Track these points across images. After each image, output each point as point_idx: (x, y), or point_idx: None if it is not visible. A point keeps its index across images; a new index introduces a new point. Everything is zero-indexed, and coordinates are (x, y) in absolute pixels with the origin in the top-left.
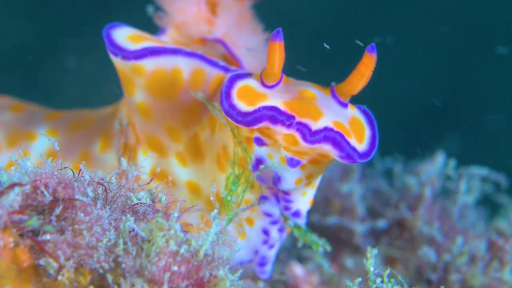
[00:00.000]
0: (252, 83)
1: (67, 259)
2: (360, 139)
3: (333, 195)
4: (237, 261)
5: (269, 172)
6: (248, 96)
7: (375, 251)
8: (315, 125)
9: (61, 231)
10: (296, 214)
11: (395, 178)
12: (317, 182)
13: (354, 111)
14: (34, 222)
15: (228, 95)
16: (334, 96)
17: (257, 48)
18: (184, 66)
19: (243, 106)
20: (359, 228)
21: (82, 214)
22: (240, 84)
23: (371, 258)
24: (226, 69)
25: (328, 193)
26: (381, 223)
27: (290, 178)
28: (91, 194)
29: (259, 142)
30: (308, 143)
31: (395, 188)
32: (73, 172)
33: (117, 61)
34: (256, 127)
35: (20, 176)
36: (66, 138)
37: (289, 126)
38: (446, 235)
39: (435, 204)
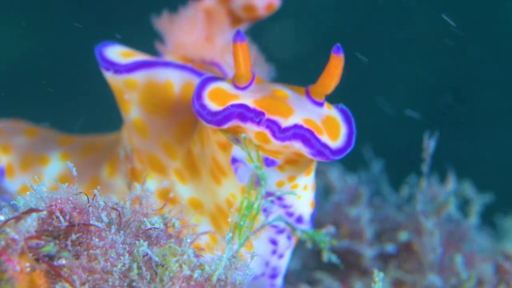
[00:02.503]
0: (224, 85)
1: (83, 284)
2: (334, 136)
3: (341, 219)
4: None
5: (248, 172)
6: (219, 97)
7: (381, 274)
8: (285, 122)
9: (76, 256)
10: (299, 219)
11: (403, 203)
12: (309, 184)
13: (331, 110)
14: (50, 248)
15: (199, 96)
16: (308, 96)
17: (256, 68)
18: (175, 79)
19: (214, 106)
20: (368, 252)
21: (97, 239)
22: (212, 86)
23: (379, 282)
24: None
25: (337, 217)
26: (389, 248)
27: (272, 181)
28: (105, 219)
29: (234, 139)
30: (278, 140)
31: (403, 212)
32: (87, 197)
33: (109, 76)
34: (226, 126)
35: (36, 202)
36: (78, 162)
37: (258, 123)
38: (453, 259)
39: (442, 228)
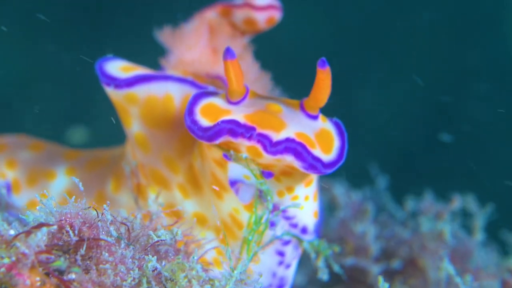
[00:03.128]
0: (217, 101)
1: None
2: (327, 150)
3: (347, 235)
4: None
5: (249, 191)
6: (212, 113)
7: (386, 285)
8: (277, 136)
9: (86, 270)
10: (304, 230)
11: (408, 218)
12: (310, 194)
13: (326, 123)
14: (61, 263)
15: (190, 112)
16: (302, 109)
17: (254, 81)
18: (175, 92)
19: (205, 122)
20: (374, 268)
21: (106, 254)
22: (204, 101)
23: None
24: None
25: (342, 233)
26: (395, 264)
27: (272, 192)
28: (114, 233)
29: (228, 155)
30: (269, 153)
31: (408, 228)
32: (97, 212)
33: (110, 91)
34: (217, 141)
35: (46, 216)
36: (83, 177)
37: (249, 138)
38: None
39: (447, 244)
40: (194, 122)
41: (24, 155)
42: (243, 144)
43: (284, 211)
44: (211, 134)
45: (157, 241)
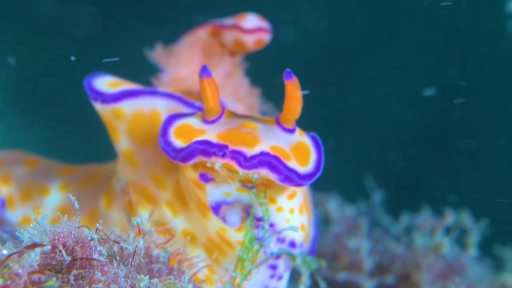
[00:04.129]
0: (191, 121)
1: None
2: (304, 162)
3: (341, 250)
4: None
5: (237, 213)
6: (186, 133)
7: None
8: (251, 152)
9: None
10: (292, 244)
11: (402, 234)
12: (295, 207)
13: (302, 137)
14: (53, 283)
15: (164, 133)
16: (278, 124)
17: (244, 98)
18: (161, 108)
19: (179, 143)
20: (367, 284)
21: (99, 273)
22: (178, 122)
23: None
24: (200, 110)
25: (336, 248)
26: (389, 279)
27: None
28: (105, 253)
29: (204, 178)
30: (245, 169)
31: (402, 243)
32: (90, 230)
33: (98, 107)
34: (191, 162)
35: (40, 235)
36: (76, 193)
37: (223, 156)
38: None
39: (440, 259)
40: (168, 143)
41: (19, 171)
42: (218, 162)
43: (272, 225)
44: (184, 155)
45: (150, 260)
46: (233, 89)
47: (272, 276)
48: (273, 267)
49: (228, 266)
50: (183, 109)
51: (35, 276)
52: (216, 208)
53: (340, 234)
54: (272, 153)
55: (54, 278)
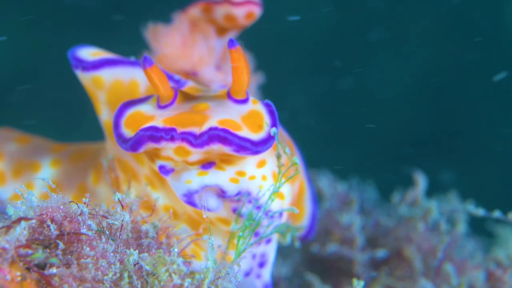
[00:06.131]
0: (144, 108)
1: None
2: (257, 129)
3: (333, 226)
4: None
5: (206, 194)
6: (136, 122)
7: (362, 283)
8: (200, 130)
9: (67, 265)
10: (270, 212)
11: (393, 209)
12: (267, 174)
13: (256, 105)
14: (39, 255)
15: (116, 125)
16: (229, 97)
17: (228, 71)
18: (141, 79)
19: (128, 133)
20: (359, 257)
21: (88, 248)
22: (130, 111)
23: None
24: (178, 82)
25: (328, 224)
26: (380, 253)
27: (223, 180)
28: (95, 227)
29: (164, 170)
30: (196, 147)
31: (393, 218)
32: (78, 205)
33: (79, 74)
34: (141, 150)
35: (26, 210)
36: (67, 169)
37: (172, 139)
38: (444, 266)
39: (432, 235)
40: (119, 135)
41: (10, 147)
42: (169, 148)
43: (248, 193)
44: (132, 143)
45: (139, 235)
46: (217, 62)
47: (259, 243)
48: (257, 234)
49: (214, 241)
50: None
51: (22, 251)
52: (189, 198)
53: (332, 210)
54: (221, 126)
55: (40, 250)
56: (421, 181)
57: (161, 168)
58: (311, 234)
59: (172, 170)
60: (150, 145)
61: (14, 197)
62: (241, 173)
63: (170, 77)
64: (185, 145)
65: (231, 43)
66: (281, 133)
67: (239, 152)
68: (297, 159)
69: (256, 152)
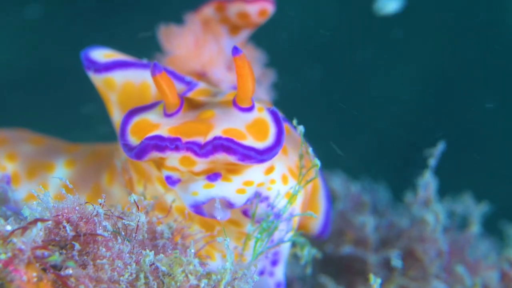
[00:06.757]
0: (150, 116)
1: None
2: (262, 137)
3: (346, 226)
4: None
5: (214, 204)
6: (142, 130)
7: (379, 280)
8: (205, 139)
9: (83, 266)
10: (278, 215)
11: (406, 209)
12: (276, 178)
13: (262, 113)
14: (56, 258)
15: (123, 133)
16: (235, 105)
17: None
18: (152, 81)
19: (134, 141)
20: (373, 258)
21: (103, 249)
22: (136, 119)
23: None
24: (189, 84)
25: (342, 225)
26: (394, 254)
27: (230, 192)
28: (111, 228)
29: (170, 181)
30: (201, 157)
31: (406, 218)
32: (93, 206)
33: (92, 76)
34: (146, 158)
35: (42, 211)
36: (82, 169)
37: (177, 149)
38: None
39: (446, 234)
40: (125, 143)
41: (24, 148)
42: (174, 157)
43: (266, 198)
44: (137, 152)
45: (155, 236)
46: (228, 62)
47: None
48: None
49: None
50: (174, 83)
51: (39, 252)
52: (197, 209)
53: (345, 211)
54: (225, 136)
55: (57, 253)
56: (432, 181)
57: (168, 178)
58: (326, 231)
59: (178, 181)
60: (154, 154)
61: (28, 198)
62: (248, 183)
63: (182, 79)
64: (190, 155)
65: (235, 50)
66: (291, 133)
67: (244, 161)
68: (317, 160)
69: (261, 161)
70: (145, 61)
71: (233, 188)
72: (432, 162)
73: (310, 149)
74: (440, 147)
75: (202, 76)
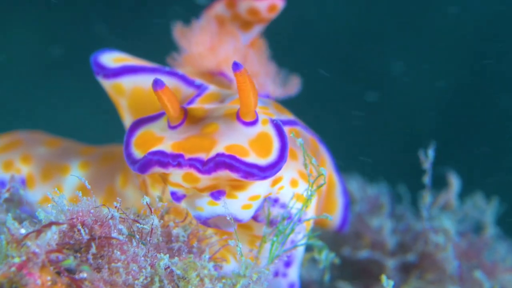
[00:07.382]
0: (155, 127)
1: None
2: (265, 153)
3: (363, 229)
4: None
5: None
6: (146, 143)
7: (391, 282)
8: (207, 156)
9: (98, 269)
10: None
11: (422, 212)
12: (284, 184)
13: (266, 127)
14: (70, 261)
15: (127, 145)
16: (238, 119)
17: (256, 73)
18: None
19: (138, 154)
20: (390, 262)
21: (118, 252)
22: (140, 131)
23: None
24: (199, 88)
25: (359, 228)
26: (410, 257)
27: (235, 209)
28: (126, 231)
29: (175, 197)
30: (204, 174)
31: (423, 221)
32: (108, 209)
33: (101, 81)
34: (148, 173)
35: (57, 214)
36: (96, 171)
37: (179, 165)
38: (474, 269)
39: (462, 238)
40: (129, 155)
41: (39, 150)
42: (177, 174)
43: (282, 204)
44: (140, 166)
45: (170, 239)
46: (243, 60)
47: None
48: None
49: (242, 246)
50: (182, 86)
51: (53, 255)
52: (204, 223)
53: (362, 214)
54: (227, 152)
55: (72, 257)
56: (454, 182)
57: (173, 194)
58: (344, 226)
59: (183, 196)
60: (157, 169)
61: (43, 201)
62: (254, 198)
63: (191, 83)
64: (193, 171)
65: (235, 66)
66: (302, 134)
67: (247, 178)
68: (329, 163)
69: (264, 178)
70: (156, 65)
71: (239, 204)
72: (451, 165)
73: (313, 160)
74: (461, 151)
75: (216, 75)
